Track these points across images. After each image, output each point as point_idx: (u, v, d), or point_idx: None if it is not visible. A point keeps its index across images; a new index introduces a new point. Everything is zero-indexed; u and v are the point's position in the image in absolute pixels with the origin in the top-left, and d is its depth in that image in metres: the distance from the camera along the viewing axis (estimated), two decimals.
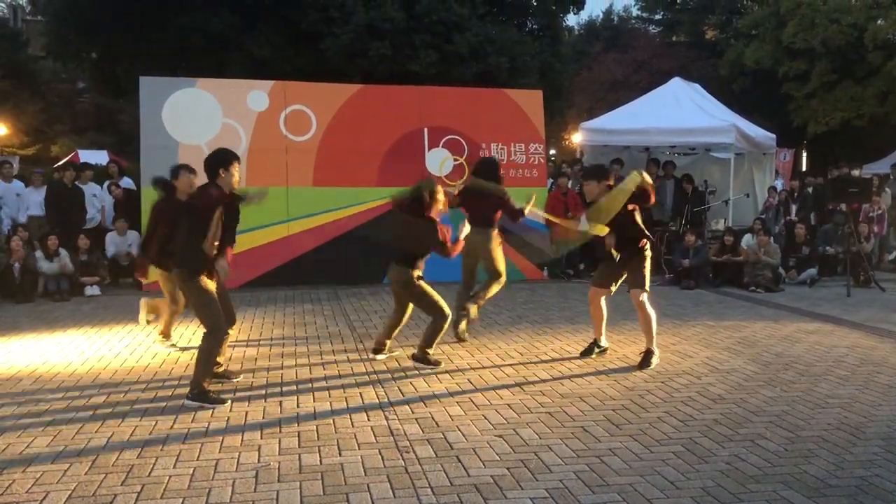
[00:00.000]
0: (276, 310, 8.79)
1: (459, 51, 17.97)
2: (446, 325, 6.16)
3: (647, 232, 6.21)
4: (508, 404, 5.09)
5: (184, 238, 5.30)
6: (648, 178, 5.92)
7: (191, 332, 7.42)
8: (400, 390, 5.44)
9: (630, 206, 5.98)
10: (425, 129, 11.26)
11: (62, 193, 10.99)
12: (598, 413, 4.91)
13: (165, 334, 6.78)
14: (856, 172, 12.74)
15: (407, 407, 5.04)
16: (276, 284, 10.27)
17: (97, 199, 11.48)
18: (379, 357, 6.36)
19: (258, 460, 4.09)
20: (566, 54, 23.97)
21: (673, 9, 33.44)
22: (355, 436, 4.47)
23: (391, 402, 5.14)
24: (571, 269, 11.58)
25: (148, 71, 12.52)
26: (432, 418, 4.79)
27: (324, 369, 6.06)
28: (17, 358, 6.42)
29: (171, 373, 5.96)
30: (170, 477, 3.86)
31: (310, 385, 5.60)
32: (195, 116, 10.37)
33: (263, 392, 5.41)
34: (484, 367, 6.10)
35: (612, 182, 6.14)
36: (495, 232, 7.04)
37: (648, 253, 6.18)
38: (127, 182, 12.08)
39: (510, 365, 6.19)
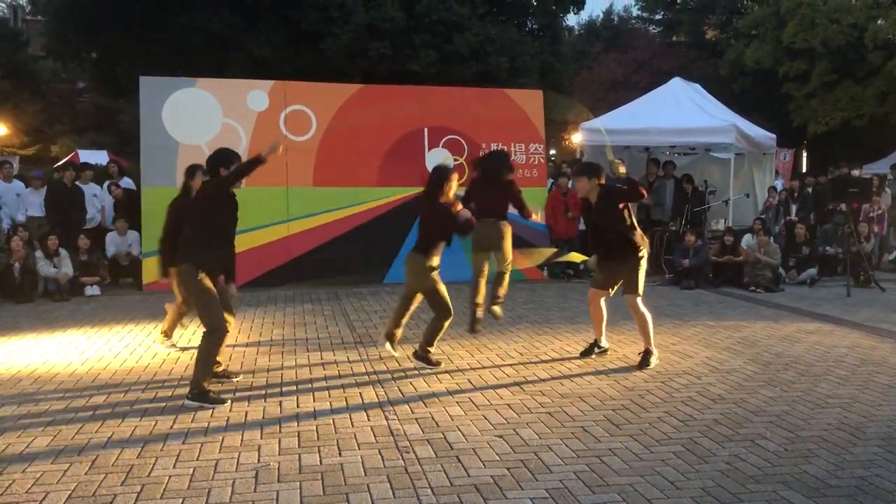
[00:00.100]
0: (276, 310, 8.79)
1: (459, 51, 17.99)
2: (447, 324, 6.14)
3: (641, 233, 6.18)
4: (508, 404, 5.09)
5: (187, 234, 5.32)
6: (622, 169, 6.09)
7: (190, 333, 7.42)
8: (400, 390, 5.44)
9: (621, 205, 6.00)
10: (425, 129, 11.26)
11: (62, 193, 10.99)
12: (598, 413, 4.91)
13: (167, 333, 6.76)
14: (856, 172, 12.74)
15: (407, 407, 5.04)
16: (276, 284, 10.27)
17: (97, 199, 11.48)
18: (387, 347, 6.33)
19: (258, 460, 4.09)
20: (566, 54, 24.01)
21: (673, 9, 33.44)
22: (355, 436, 4.47)
23: (391, 402, 5.14)
24: (571, 270, 11.57)
25: (148, 71, 12.52)
26: (432, 418, 4.79)
27: (324, 369, 6.06)
28: (17, 358, 6.42)
29: (171, 373, 5.96)
30: (170, 477, 3.86)
31: (310, 385, 5.60)
32: (195, 116, 10.37)
33: (263, 392, 5.41)
34: (484, 367, 6.10)
35: (603, 180, 6.15)
36: (507, 223, 7.11)
37: (645, 254, 6.16)
38: (127, 182, 12.08)
39: (510, 365, 6.19)
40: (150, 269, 10.19)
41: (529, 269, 11.29)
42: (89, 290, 9.86)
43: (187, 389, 5.17)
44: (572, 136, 25.32)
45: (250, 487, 3.74)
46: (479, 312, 6.99)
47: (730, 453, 4.20)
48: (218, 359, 5.57)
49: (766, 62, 23.53)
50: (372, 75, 17.00)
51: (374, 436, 4.47)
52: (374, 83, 13.22)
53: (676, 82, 14.20)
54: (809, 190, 13.17)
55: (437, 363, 6.09)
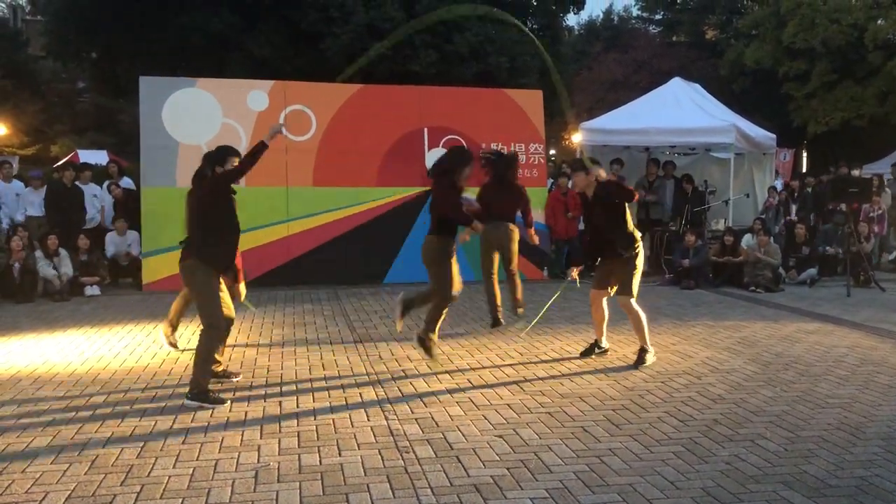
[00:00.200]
0: (275, 310, 8.78)
1: (459, 50, 17.99)
2: (445, 309, 6.17)
3: (636, 235, 6.18)
4: (508, 404, 5.09)
5: (191, 231, 5.33)
6: (602, 173, 6.15)
7: (190, 332, 7.42)
8: (400, 390, 5.44)
9: (617, 201, 6.02)
10: (425, 129, 11.26)
11: (62, 193, 10.99)
12: (597, 413, 4.91)
13: (172, 324, 6.65)
14: (855, 172, 12.74)
15: (407, 407, 5.04)
16: (276, 284, 10.26)
17: (97, 199, 11.48)
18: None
19: (258, 460, 4.09)
20: (566, 54, 24.03)
21: (673, 9, 33.45)
22: (355, 436, 4.47)
23: (391, 403, 5.14)
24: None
25: (148, 71, 12.52)
26: (432, 418, 4.79)
27: (323, 369, 6.06)
28: (17, 358, 6.42)
29: (170, 373, 5.96)
30: (169, 477, 3.86)
31: (309, 385, 5.60)
32: (195, 116, 10.36)
33: (263, 392, 5.41)
34: (484, 367, 6.10)
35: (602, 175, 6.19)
36: (516, 227, 7.28)
37: (641, 253, 6.16)
38: (127, 182, 12.08)
39: (510, 365, 6.19)
40: (150, 269, 10.21)
41: (529, 269, 11.30)
42: (89, 290, 9.86)
43: (187, 389, 5.16)
44: (572, 137, 25.34)
45: (250, 487, 3.74)
46: (500, 316, 7.25)
47: (730, 453, 4.20)
48: (218, 358, 5.58)
49: (766, 62, 23.54)
50: (372, 75, 16.98)
51: (374, 436, 4.47)
52: (374, 83, 13.21)
53: (676, 82, 14.20)
54: (809, 190, 13.18)
55: (434, 356, 6.08)
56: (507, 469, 3.96)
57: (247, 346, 6.91)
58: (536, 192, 11.23)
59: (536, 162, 11.69)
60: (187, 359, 6.33)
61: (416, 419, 4.77)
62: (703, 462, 4.07)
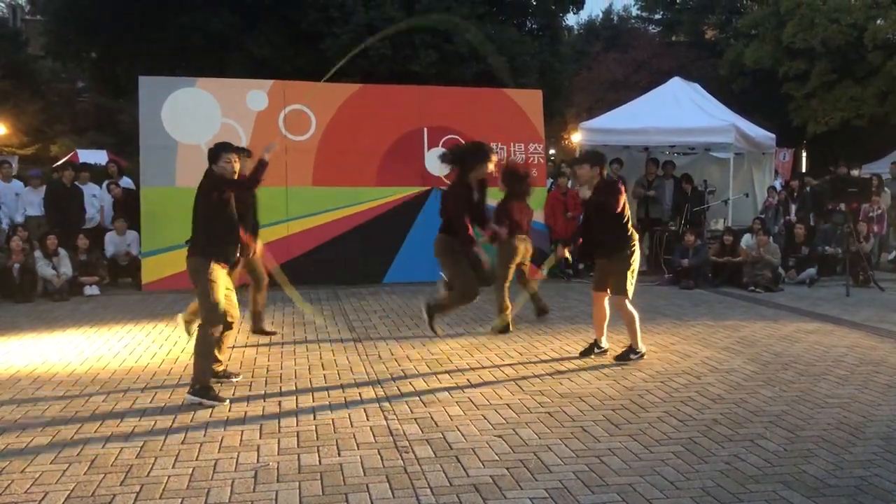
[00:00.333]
0: (275, 310, 8.77)
1: (459, 50, 17.98)
2: (459, 304, 6.26)
3: (632, 236, 6.18)
4: (508, 404, 5.09)
5: (196, 228, 5.37)
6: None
7: (182, 336, 7.42)
8: (399, 390, 5.44)
9: (614, 200, 6.04)
10: (425, 129, 11.26)
11: (61, 193, 10.99)
12: (597, 413, 4.91)
13: (189, 321, 6.68)
14: (855, 172, 12.74)
15: (406, 407, 5.04)
16: (276, 284, 10.24)
17: (96, 199, 11.48)
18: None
19: (257, 460, 4.09)
20: (566, 54, 23.99)
21: (672, 8, 33.44)
22: (354, 436, 4.47)
23: (390, 402, 5.14)
24: (571, 270, 11.58)
25: (148, 71, 12.52)
26: (431, 418, 4.79)
27: (323, 369, 6.06)
28: (16, 358, 6.42)
29: (170, 373, 5.96)
30: (169, 477, 3.85)
31: (309, 385, 5.60)
32: (194, 116, 10.36)
33: (262, 392, 5.41)
34: (483, 367, 6.10)
35: (605, 172, 6.17)
36: None
37: (636, 254, 6.16)
38: (126, 182, 12.08)
39: (509, 365, 6.19)
40: (150, 269, 10.21)
41: (529, 270, 11.29)
42: (88, 290, 9.86)
43: (187, 388, 5.17)
44: (572, 136, 25.35)
45: (249, 487, 3.73)
46: (512, 323, 7.55)
47: (729, 453, 4.20)
48: (219, 357, 5.58)
49: (765, 62, 23.53)
50: (372, 75, 16.98)
51: (374, 436, 4.47)
52: (374, 83, 13.21)
53: (676, 82, 14.21)
54: (808, 189, 13.18)
55: (435, 331, 6.34)
56: (507, 469, 3.96)
57: (246, 345, 6.91)
58: (536, 192, 11.21)
59: (536, 162, 11.68)
60: (186, 359, 6.34)
61: (415, 419, 4.77)
62: (702, 462, 4.07)
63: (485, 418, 4.79)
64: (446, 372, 5.93)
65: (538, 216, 10.65)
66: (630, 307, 6.16)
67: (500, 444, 4.33)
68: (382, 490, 3.70)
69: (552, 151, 29.81)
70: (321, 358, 6.43)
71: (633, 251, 6.14)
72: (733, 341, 7.10)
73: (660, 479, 3.84)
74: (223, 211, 5.30)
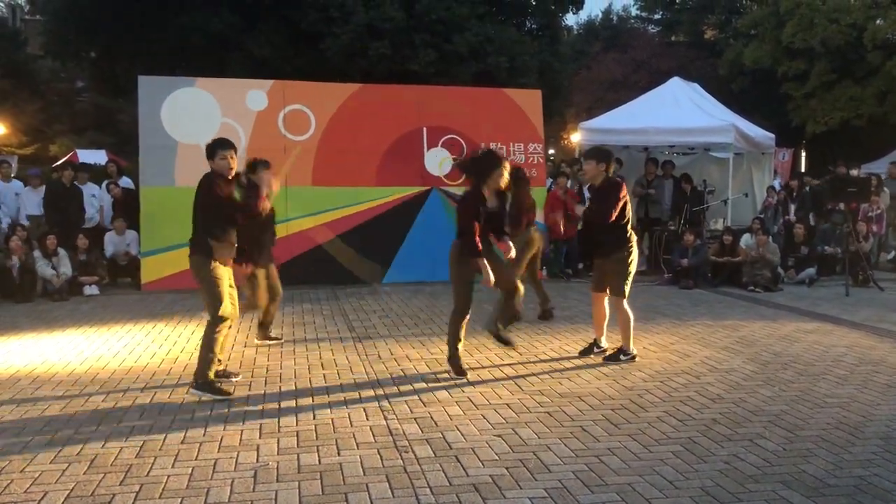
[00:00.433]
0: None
1: (459, 50, 17.99)
2: (460, 321, 5.87)
3: (630, 237, 6.17)
4: (507, 404, 5.09)
5: (196, 226, 5.41)
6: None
7: (189, 332, 7.42)
8: (398, 390, 5.44)
9: (614, 200, 6.03)
10: (424, 129, 11.26)
11: (61, 193, 10.99)
12: (596, 412, 4.91)
13: (264, 326, 6.95)
14: (854, 172, 12.74)
15: (406, 406, 5.04)
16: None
17: (96, 199, 11.48)
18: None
19: (257, 460, 4.09)
20: (565, 54, 24.00)
21: (672, 8, 33.48)
22: (354, 435, 4.47)
23: (390, 402, 5.14)
24: (570, 269, 11.58)
25: (148, 71, 12.52)
26: (431, 418, 4.79)
27: (322, 369, 6.06)
28: (16, 358, 6.41)
29: (169, 372, 5.96)
30: (168, 476, 3.85)
31: (308, 385, 5.60)
32: (194, 116, 10.36)
33: (262, 392, 5.41)
34: (483, 367, 6.10)
35: (611, 170, 6.15)
36: None
37: (633, 254, 6.15)
38: (126, 181, 12.08)
39: (509, 364, 6.19)
40: (149, 269, 10.21)
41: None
42: (88, 290, 9.85)
43: (186, 389, 5.19)
44: (571, 136, 25.34)
45: (249, 487, 3.74)
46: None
47: (728, 453, 4.20)
48: (219, 356, 5.58)
49: (764, 62, 23.55)
50: (371, 75, 16.99)
51: (373, 435, 4.47)
52: (374, 83, 13.21)
53: (675, 82, 14.21)
54: (808, 189, 13.19)
55: (512, 343, 6.13)
56: (506, 468, 3.96)
57: (246, 345, 6.91)
58: (536, 191, 11.21)
59: (535, 161, 11.69)
60: (186, 359, 6.35)
61: (414, 419, 4.78)
62: (701, 461, 4.08)
63: (484, 418, 4.79)
64: (446, 371, 5.92)
65: (538, 216, 10.64)
66: (627, 308, 6.17)
67: (500, 443, 4.33)
68: (382, 490, 3.70)
69: (551, 151, 29.83)
70: (321, 358, 6.43)
71: (631, 252, 6.14)
72: (733, 341, 7.10)
73: (659, 479, 3.84)
74: (219, 210, 5.32)
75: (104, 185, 11.75)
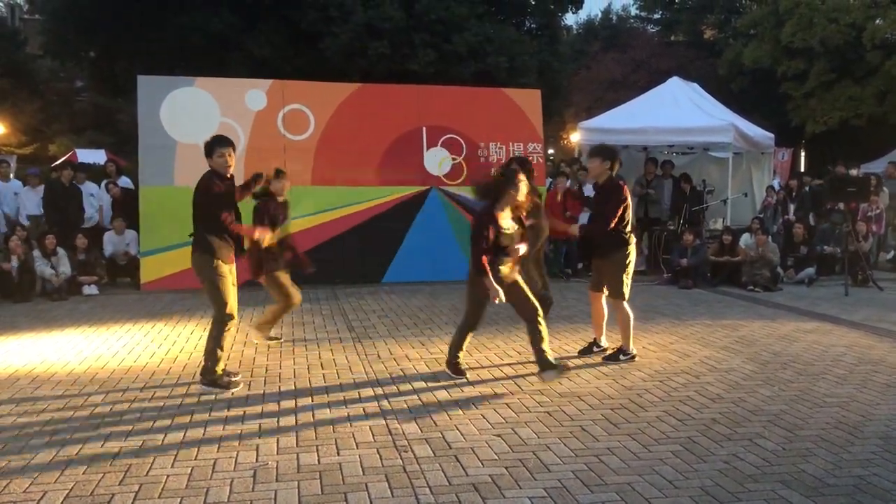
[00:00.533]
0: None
1: (458, 50, 17.98)
2: (466, 334, 5.76)
3: (628, 238, 6.15)
4: (506, 403, 5.09)
5: (197, 226, 5.43)
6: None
7: (188, 332, 7.41)
8: (398, 389, 5.44)
9: (616, 201, 6.01)
10: (424, 129, 11.26)
11: (60, 193, 10.98)
12: (596, 412, 4.91)
13: (262, 328, 6.90)
14: (853, 172, 12.75)
15: (405, 406, 5.04)
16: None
17: (95, 199, 11.48)
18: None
19: (256, 460, 4.09)
20: (565, 53, 24.00)
21: (671, 8, 33.49)
22: (353, 435, 4.47)
23: (389, 402, 5.13)
24: (570, 269, 11.58)
25: (147, 70, 12.50)
26: (430, 418, 4.79)
27: (322, 368, 6.06)
28: (15, 358, 6.41)
29: (168, 372, 5.95)
30: (167, 476, 3.85)
31: (308, 385, 5.60)
32: (193, 115, 10.35)
33: (261, 391, 5.41)
34: (482, 367, 6.09)
35: (615, 169, 6.14)
36: None
37: (632, 255, 6.15)
38: (125, 181, 12.07)
39: (508, 364, 6.19)
40: (148, 269, 10.20)
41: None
42: (87, 290, 9.85)
43: (185, 389, 5.20)
44: (571, 136, 25.34)
45: (248, 487, 3.73)
46: None
47: (728, 452, 4.20)
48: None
49: (764, 61, 23.56)
50: (371, 74, 16.98)
51: (373, 435, 4.47)
52: (373, 82, 13.21)
53: (675, 82, 14.21)
54: (808, 189, 13.19)
55: (567, 365, 5.63)
56: (506, 468, 3.96)
57: (245, 345, 6.90)
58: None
59: (535, 161, 11.67)
60: (185, 358, 6.35)
61: (414, 418, 4.77)
62: (701, 461, 4.08)
63: (484, 417, 4.79)
64: (445, 371, 5.92)
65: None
66: (627, 308, 6.17)
67: (499, 443, 4.33)
68: (381, 489, 3.70)
69: (551, 151, 29.85)
70: (320, 357, 6.43)
71: (629, 253, 6.13)
72: (732, 341, 7.10)
73: (658, 479, 3.84)
74: (216, 209, 5.33)
75: (103, 184, 11.74)
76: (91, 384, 5.59)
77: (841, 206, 11.17)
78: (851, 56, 22.13)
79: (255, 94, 10.73)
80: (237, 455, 4.15)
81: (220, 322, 5.37)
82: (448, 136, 11.30)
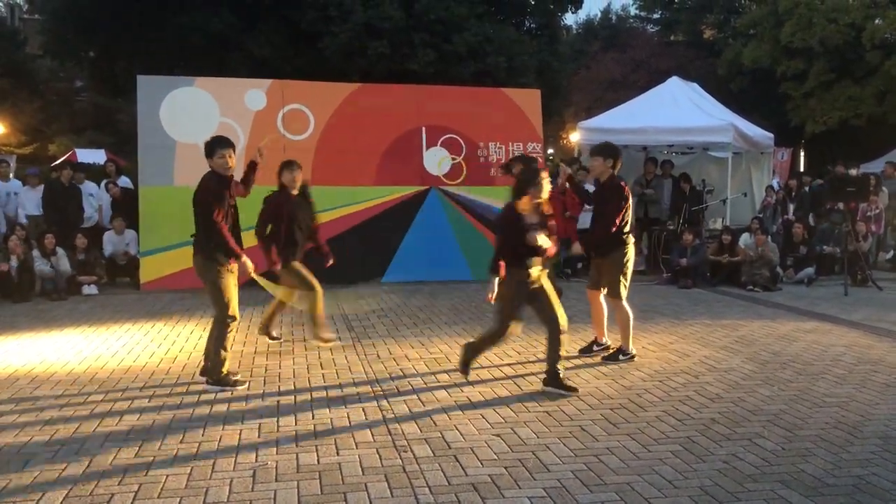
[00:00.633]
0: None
1: (458, 50, 17.97)
2: (489, 341, 5.55)
3: (627, 238, 6.15)
4: (506, 403, 5.09)
5: (199, 228, 5.42)
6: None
7: (189, 332, 7.41)
8: (397, 389, 5.44)
9: (617, 201, 6.01)
10: (423, 128, 11.25)
11: (59, 192, 10.98)
12: (595, 412, 4.91)
13: (266, 326, 6.97)
14: (853, 172, 12.76)
15: (404, 406, 5.04)
16: (274, 283, 10.23)
17: (94, 199, 11.47)
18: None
19: (255, 460, 4.09)
20: (564, 53, 23.98)
21: (671, 8, 33.47)
22: (353, 435, 4.47)
23: (389, 402, 5.14)
24: (570, 269, 11.58)
25: (147, 70, 12.50)
26: (430, 417, 4.79)
27: (321, 369, 6.06)
28: (15, 357, 6.41)
29: (168, 372, 5.95)
30: (167, 476, 3.85)
31: (307, 384, 5.60)
32: (193, 115, 10.34)
33: (261, 391, 5.41)
34: (482, 367, 6.09)
35: (617, 168, 6.15)
36: None
37: (630, 255, 6.15)
38: (124, 181, 12.07)
39: (508, 364, 6.19)
40: (148, 269, 10.20)
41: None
42: (87, 290, 9.84)
43: (185, 388, 5.21)
44: (570, 136, 25.35)
45: (248, 487, 3.73)
46: None
47: (727, 452, 4.20)
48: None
49: (763, 61, 23.56)
50: (370, 74, 16.97)
51: (372, 435, 4.47)
52: (373, 82, 13.20)
53: (674, 81, 14.22)
54: (807, 189, 13.20)
55: (570, 389, 5.34)
56: (505, 468, 3.96)
57: (245, 345, 6.90)
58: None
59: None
60: (185, 358, 6.35)
61: (413, 418, 4.77)
62: (700, 461, 4.08)
63: (483, 417, 4.79)
64: (445, 371, 5.93)
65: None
66: (626, 307, 6.17)
67: (499, 443, 4.33)
68: (381, 489, 3.70)
69: (550, 151, 29.85)
70: (320, 357, 6.43)
71: (628, 253, 6.13)
72: (731, 340, 7.10)
73: (658, 478, 3.84)
74: (215, 208, 5.33)
75: (103, 184, 11.74)
76: (90, 384, 5.59)
77: (840, 205, 11.17)
78: (851, 56, 22.13)
79: (254, 94, 10.73)
80: (237, 455, 4.15)
81: (222, 323, 5.39)
82: (447, 135, 11.29)
